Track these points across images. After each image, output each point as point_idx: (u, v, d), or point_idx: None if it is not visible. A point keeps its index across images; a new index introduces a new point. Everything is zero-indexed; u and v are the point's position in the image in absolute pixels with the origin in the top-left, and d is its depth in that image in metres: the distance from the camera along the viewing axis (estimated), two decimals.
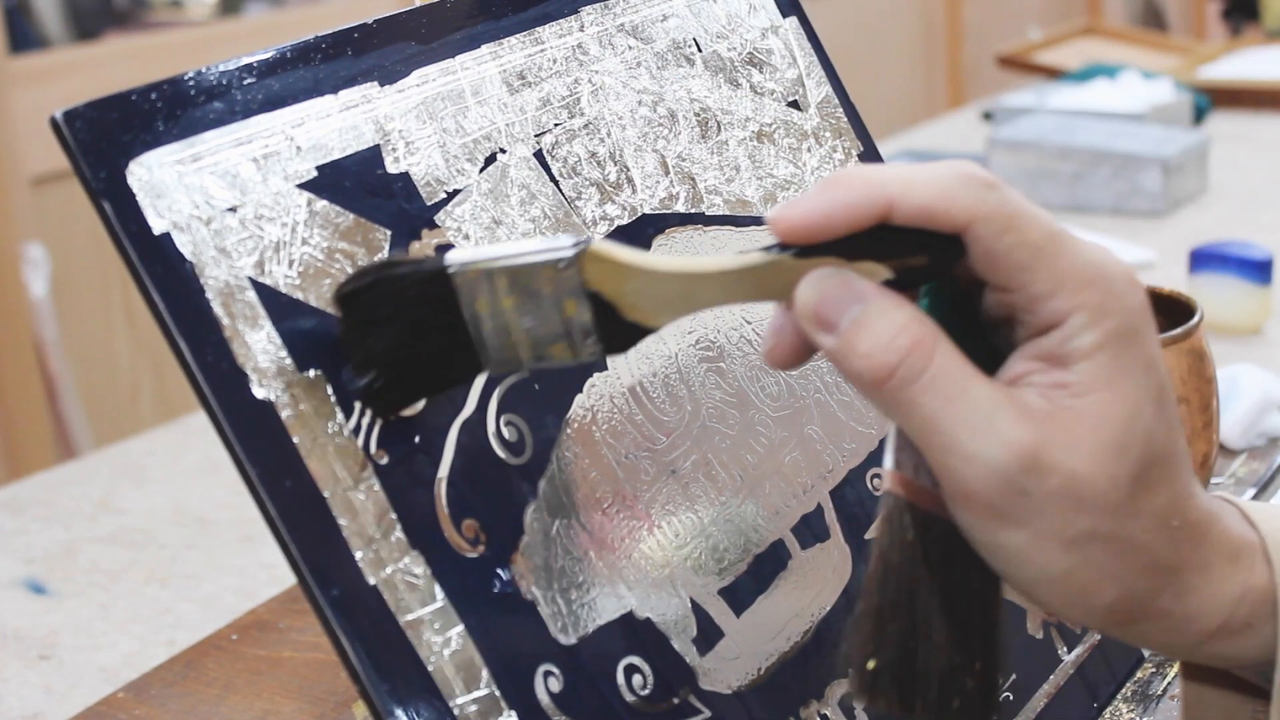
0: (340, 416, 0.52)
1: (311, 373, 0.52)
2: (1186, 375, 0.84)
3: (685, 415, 0.62)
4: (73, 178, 0.51)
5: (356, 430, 0.53)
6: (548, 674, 0.54)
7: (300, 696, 0.82)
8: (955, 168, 0.46)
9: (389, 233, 0.56)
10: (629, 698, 0.56)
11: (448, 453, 0.55)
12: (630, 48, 0.67)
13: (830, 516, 0.66)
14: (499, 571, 0.54)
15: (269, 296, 0.52)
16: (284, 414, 0.51)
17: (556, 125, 0.63)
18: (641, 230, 0.64)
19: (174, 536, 1.11)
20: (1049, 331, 0.46)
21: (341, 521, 0.51)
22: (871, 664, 0.47)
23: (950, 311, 0.48)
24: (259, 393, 0.51)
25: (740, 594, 0.61)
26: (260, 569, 1.05)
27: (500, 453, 0.56)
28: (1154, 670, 0.76)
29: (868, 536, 0.67)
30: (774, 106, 0.72)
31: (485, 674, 0.53)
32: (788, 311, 0.48)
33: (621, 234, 0.63)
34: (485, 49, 0.62)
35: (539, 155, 0.62)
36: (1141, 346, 0.47)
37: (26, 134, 2.14)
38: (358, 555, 0.51)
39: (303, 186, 0.54)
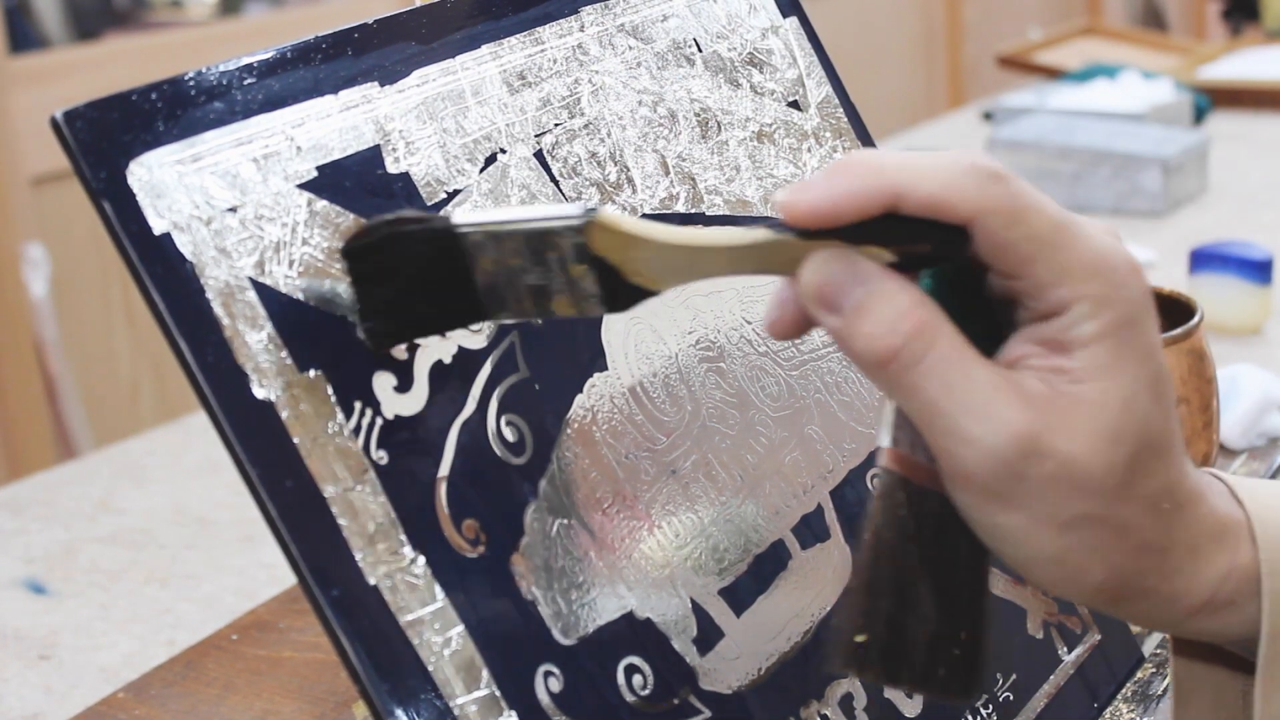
0: (340, 416, 0.52)
1: (311, 373, 0.52)
2: (1186, 375, 0.84)
3: (685, 415, 0.62)
4: (73, 178, 0.51)
5: (357, 430, 0.53)
6: (548, 674, 0.54)
7: (300, 696, 0.82)
8: (963, 159, 0.47)
9: None
10: (629, 698, 0.56)
11: (448, 453, 0.55)
12: (630, 48, 0.67)
13: (830, 517, 0.66)
14: (499, 572, 0.54)
15: (269, 296, 0.52)
16: (284, 414, 0.51)
17: (557, 125, 0.63)
18: None
19: (174, 536, 1.11)
20: (1051, 318, 0.47)
21: (341, 521, 0.51)
22: (860, 637, 0.48)
23: (952, 292, 0.49)
24: (259, 393, 0.51)
25: (740, 594, 0.61)
26: (260, 569, 1.05)
27: (500, 453, 0.56)
28: (1154, 670, 0.76)
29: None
30: (774, 106, 0.72)
31: (485, 674, 0.53)
32: (792, 285, 0.49)
33: None
34: (485, 49, 0.62)
35: (539, 155, 0.62)
36: (1141, 335, 0.47)
37: (26, 134, 2.14)
38: (358, 555, 0.51)
39: (303, 186, 0.54)
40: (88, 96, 0.50)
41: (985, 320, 0.49)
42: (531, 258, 0.50)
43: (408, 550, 0.52)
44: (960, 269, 0.49)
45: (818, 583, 0.64)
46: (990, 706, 0.69)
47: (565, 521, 0.57)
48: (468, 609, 0.53)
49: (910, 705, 0.65)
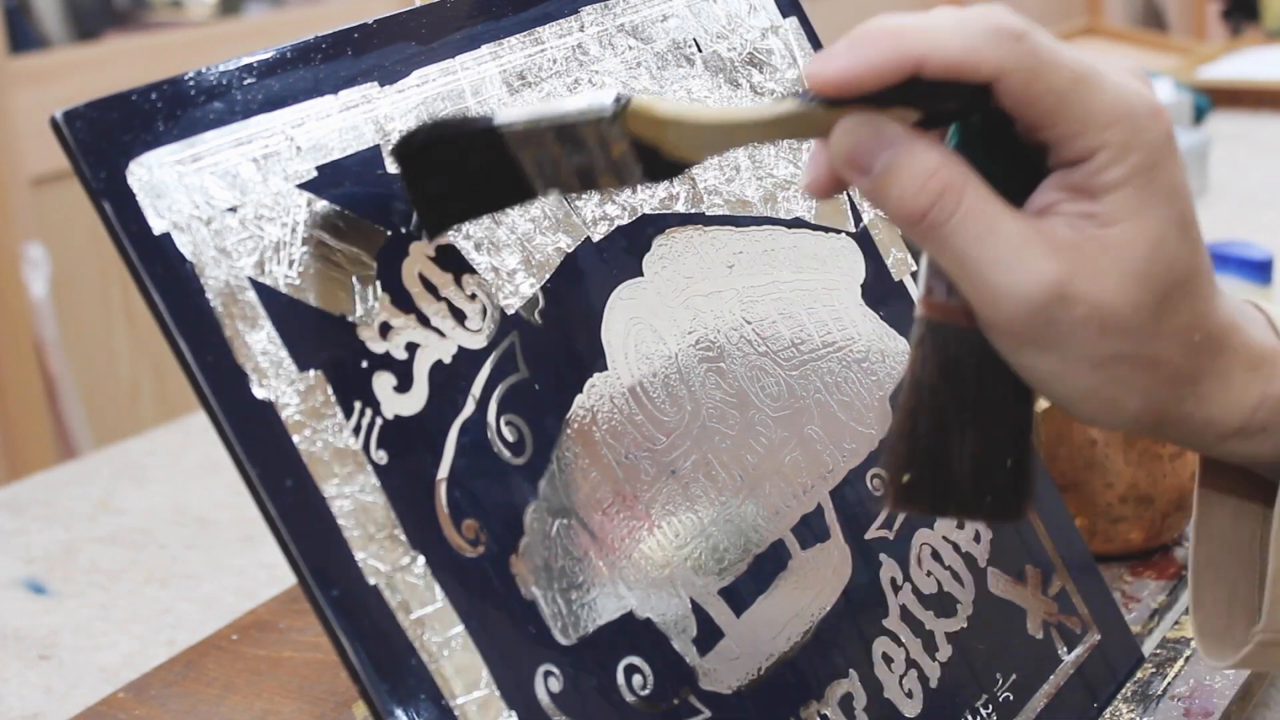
0: (340, 416, 0.52)
1: (311, 373, 0.52)
2: None
3: (685, 415, 0.62)
4: (73, 178, 0.51)
5: (357, 430, 0.53)
6: (548, 674, 0.54)
7: (300, 696, 0.82)
8: (982, 19, 0.48)
9: (389, 233, 0.56)
10: (629, 698, 0.56)
11: (448, 453, 0.55)
12: (630, 48, 0.67)
13: (830, 516, 0.66)
14: (499, 572, 0.54)
15: (269, 296, 0.52)
16: (284, 414, 0.51)
17: None
18: (641, 230, 0.64)
19: (174, 536, 1.11)
20: (1077, 165, 0.49)
21: (341, 521, 0.51)
22: (906, 478, 0.50)
23: (981, 143, 0.50)
24: (259, 393, 0.51)
25: (740, 594, 0.61)
26: (260, 569, 1.05)
27: (500, 453, 0.56)
28: (1154, 670, 0.76)
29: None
30: None
31: (485, 674, 0.53)
32: (826, 147, 0.50)
33: (621, 234, 0.63)
34: (485, 49, 0.62)
35: None
36: (1165, 177, 0.49)
37: (26, 134, 2.14)
38: (358, 555, 0.51)
39: (303, 186, 0.54)
40: (88, 96, 0.51)
41: (1016, 167, 0.50)
42: (572, 145, 0.52)
43: (408, 550, 0.52)
44: (989, 119, 0.50)
45: (818, 583, 0.64)
46: (990, 707, 0.69)
47: (565, 521, 0.57)
48: (467, 609, 0.53)
49: (910, 705, 0.66)
